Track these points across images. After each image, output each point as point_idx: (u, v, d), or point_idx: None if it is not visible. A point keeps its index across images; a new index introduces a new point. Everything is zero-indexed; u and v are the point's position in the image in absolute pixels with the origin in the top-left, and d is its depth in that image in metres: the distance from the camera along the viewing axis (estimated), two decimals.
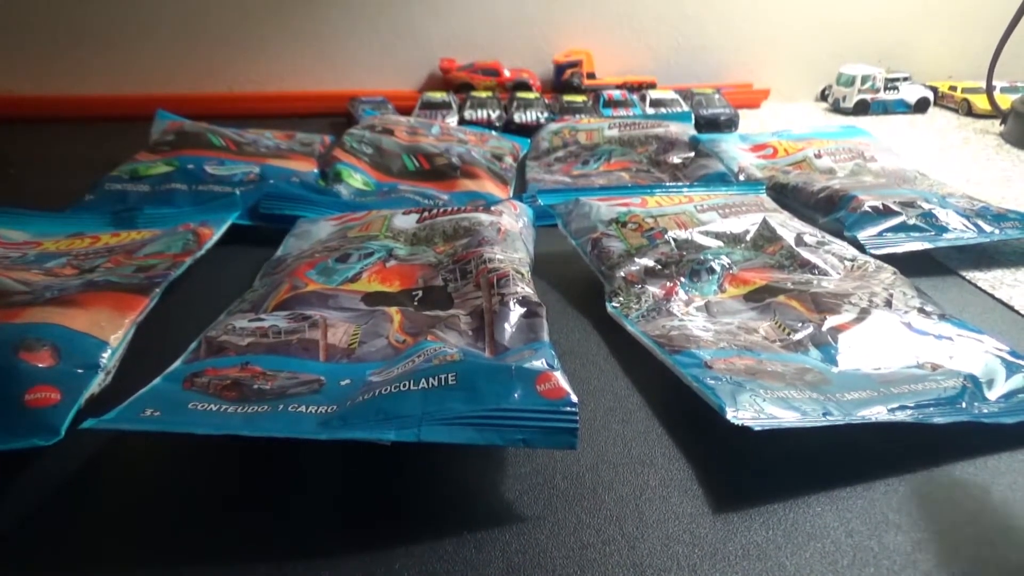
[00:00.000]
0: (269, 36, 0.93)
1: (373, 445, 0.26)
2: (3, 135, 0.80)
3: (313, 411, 0.28)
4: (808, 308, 0.39)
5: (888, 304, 0.39)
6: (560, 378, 0.28)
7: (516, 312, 0.36)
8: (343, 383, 0.31)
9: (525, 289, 0.38)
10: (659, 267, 0.44)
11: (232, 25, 0.92)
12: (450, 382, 0.28)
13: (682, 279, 0.43)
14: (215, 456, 0.30)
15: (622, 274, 0.43)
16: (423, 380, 0.28)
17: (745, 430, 0.28)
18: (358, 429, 0.27)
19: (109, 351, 0.34)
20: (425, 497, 0.29)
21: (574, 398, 0.27)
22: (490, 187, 0.63)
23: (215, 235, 0.49)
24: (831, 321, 0.38)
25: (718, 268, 0.44)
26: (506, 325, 0.35)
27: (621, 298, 0.42)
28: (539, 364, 0.30)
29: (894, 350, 0.36)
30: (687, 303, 0.41)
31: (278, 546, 0.26)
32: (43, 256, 0.45)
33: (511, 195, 0.64)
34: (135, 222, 0.52)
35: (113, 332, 0.36)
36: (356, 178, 0.62)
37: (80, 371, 0.33)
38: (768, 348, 0.36)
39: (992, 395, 0.32)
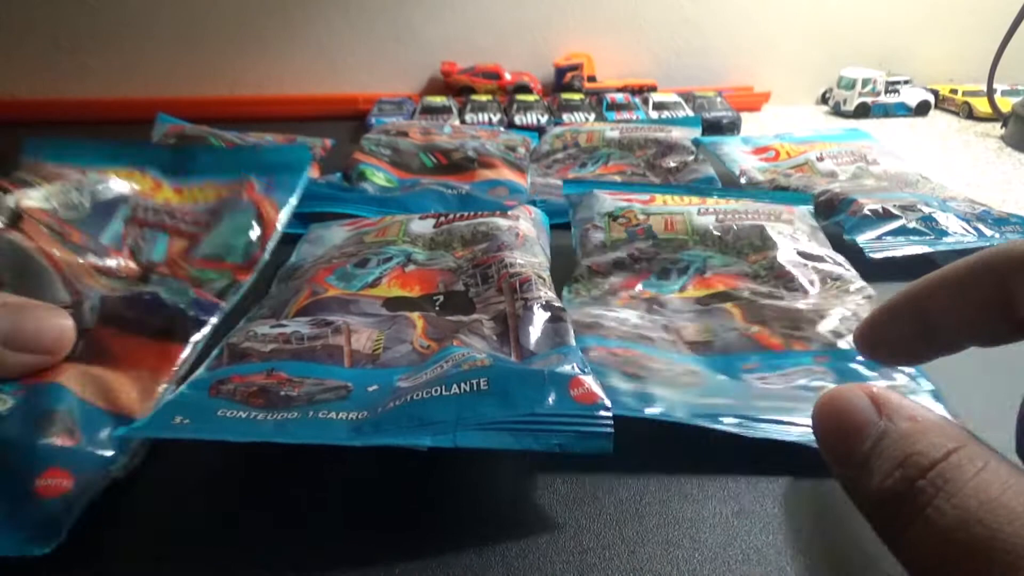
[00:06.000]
0: (270, 39, 0.93)
1: (374, 451, 0.27)
2: (3, 138, 0.80)
3: (344, 417, 0.28)
4: (744, 318, 0.39)
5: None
6: (592, 382, 0.28)
7: (541, 316, 0.35)
8: (371, 389, 0.31)
9: (548, 293, 0.38)
10: (630, 261, 0.44)
11: (233, 28, 0.92)
12: (483, 387, 0.28)
13: (651, 276, 0.43)
14: (214, 463, 0.30)
15: (588, 263, 0.44)
16: (455, 385, 0.28)
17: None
18: (392, 435, 0.27)
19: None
20: (424, 502, 0.29)
21: (607, 402, 0.27)
22: (508, 174, 0.64)
23: (279, 223, 0.45)
24: (754, 331, 0.37)
25: (690, 270, 0.44)
26: (531, 329, 0.34)
27: (578, 285, 0.42)
28: (570, 368, 0.30)
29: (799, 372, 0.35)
30: (633, 296, 0.41)
31: (275, 552, 0.26)
32: (99, 210, 0.41)
33: (529, 183, 0.65)
34: (189, 172, 0.49)
35: (148, 400, 0.31)
36: (379, 176, 0.63)
37: (99, 452, 0.27)
38: (672, 348, 0.36)
39: None
